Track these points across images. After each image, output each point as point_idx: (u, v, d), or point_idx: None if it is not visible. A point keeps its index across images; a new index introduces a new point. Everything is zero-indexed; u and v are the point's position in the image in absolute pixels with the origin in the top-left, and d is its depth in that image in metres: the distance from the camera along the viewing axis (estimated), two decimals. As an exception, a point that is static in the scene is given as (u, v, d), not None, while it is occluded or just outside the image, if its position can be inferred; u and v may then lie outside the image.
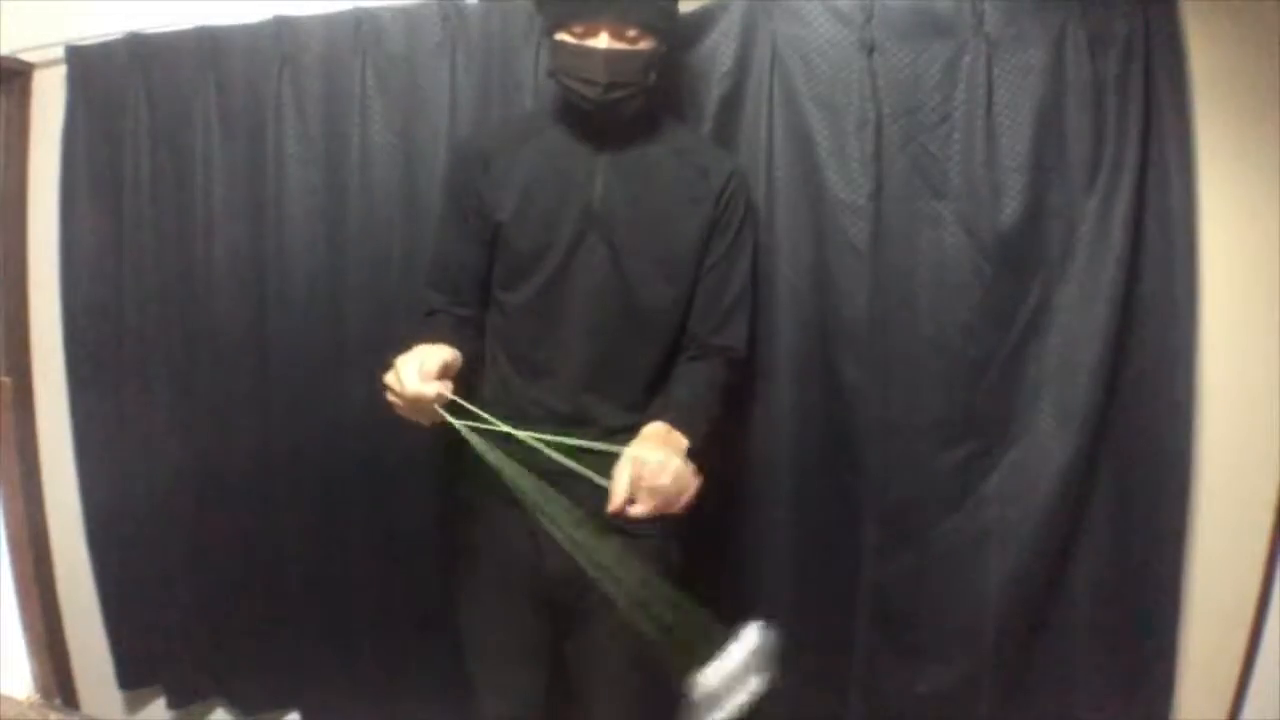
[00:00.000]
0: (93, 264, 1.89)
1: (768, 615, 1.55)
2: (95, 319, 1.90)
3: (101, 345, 1.90)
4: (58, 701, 2.02)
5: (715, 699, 1.09)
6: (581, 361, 1.31)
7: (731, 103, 1.50)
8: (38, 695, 2.00)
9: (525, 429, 1.19)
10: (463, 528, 1.44)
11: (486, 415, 1.15)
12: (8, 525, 1.96)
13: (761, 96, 1.48)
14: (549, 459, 1.18)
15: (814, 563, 1.55)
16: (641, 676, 1.39)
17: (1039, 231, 1.42)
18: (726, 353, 1.35)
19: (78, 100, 1.84)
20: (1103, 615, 1.47)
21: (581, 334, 1.30)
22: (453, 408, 1.13)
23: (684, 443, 1.19)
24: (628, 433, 1.22)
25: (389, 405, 1.14)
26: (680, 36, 1.39)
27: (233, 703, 2.01)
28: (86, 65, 1.83)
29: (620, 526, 1.28)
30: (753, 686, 1.11)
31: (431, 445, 1.55)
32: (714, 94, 1.49)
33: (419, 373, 1.11)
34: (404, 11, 1.62)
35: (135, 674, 2.03)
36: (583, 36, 1.22)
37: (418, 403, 1.11)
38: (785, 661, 1.56)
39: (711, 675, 1.08)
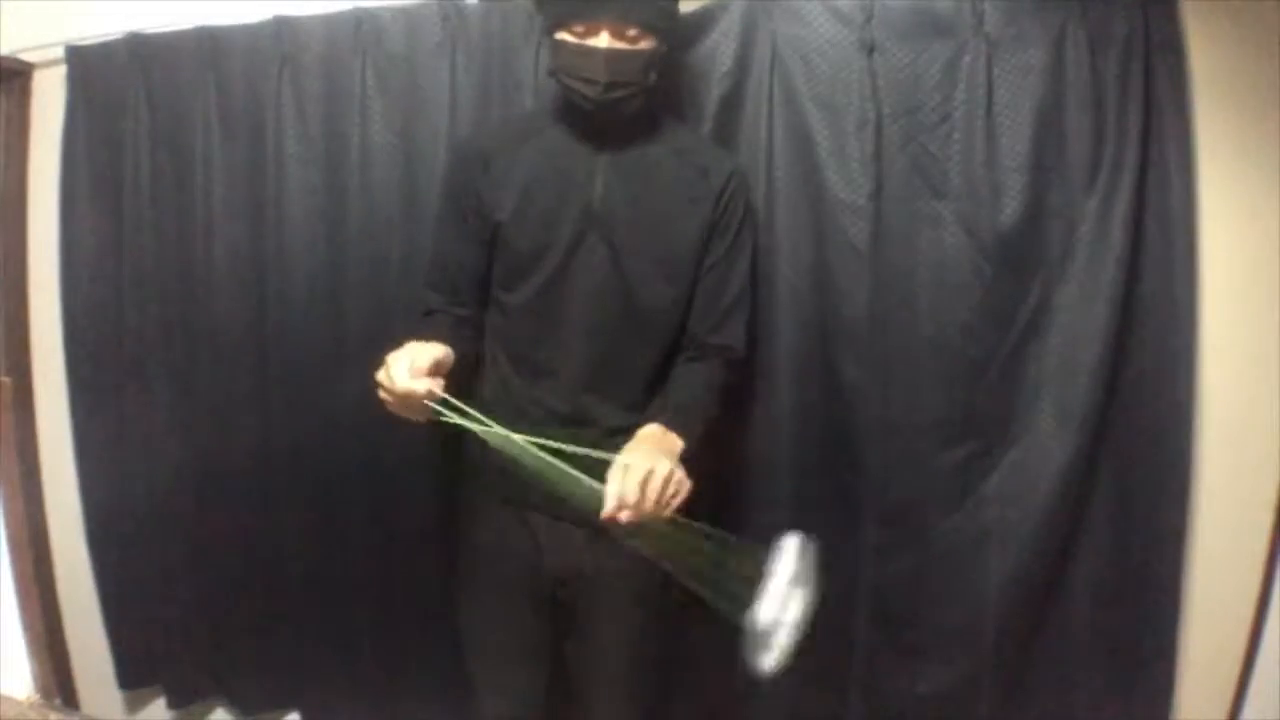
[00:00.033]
0: (93, 264, 1.89)
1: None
2: (95, 319, 1.90)
3: (101, 345, 1.90)
4: (58, 701, 2.02)
5: (772, 629, 1.09)
6: (581, 361, 1.31)
7: (731, 103, 1.50)
8: (38, 695, 2.00)
9: (525, 429, 1.19)
10: (462, 527, 1.44)
11: (476, 414, 1.15)
12: (8, 525, 1.96)
13: (761, 96, 1.48)
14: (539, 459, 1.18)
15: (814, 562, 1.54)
16: (642, 676, 1.40)
17: (1039, 231, 1.42)
18: (725, 353, 1.35)
19: (78, 100, 1.84)
20: (1103, 615, 1.47)
21: (581, 334, 1.30)
22: (443, 406, 1.13)
23: (678, 445, 1.19)
24: (628, 433, 1.21)
25: (382, 402, 1.14)
26: (680, 36, 1.39)
27: (233, 703, 2.01)
28: (86, 65, 1.83)
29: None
30: (802, 602, 1.12)
31: (431, 445, 1.55)
32: (714, 94, 1.49)
33: (409, 370, 1.11)
34: (404, 11, 1.62)
35: (135, 674, 2.03)
36: (583, 36, 1.22)
37: (408, 399, 1.11)
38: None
39: (765, 608, 1.09)
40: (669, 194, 1.31)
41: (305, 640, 1.84)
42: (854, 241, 1.46)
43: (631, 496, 1.06)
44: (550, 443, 1.15)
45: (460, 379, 1.26)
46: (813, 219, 1.49)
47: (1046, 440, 1.44)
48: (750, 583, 1.10)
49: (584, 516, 1.28)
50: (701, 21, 1.49)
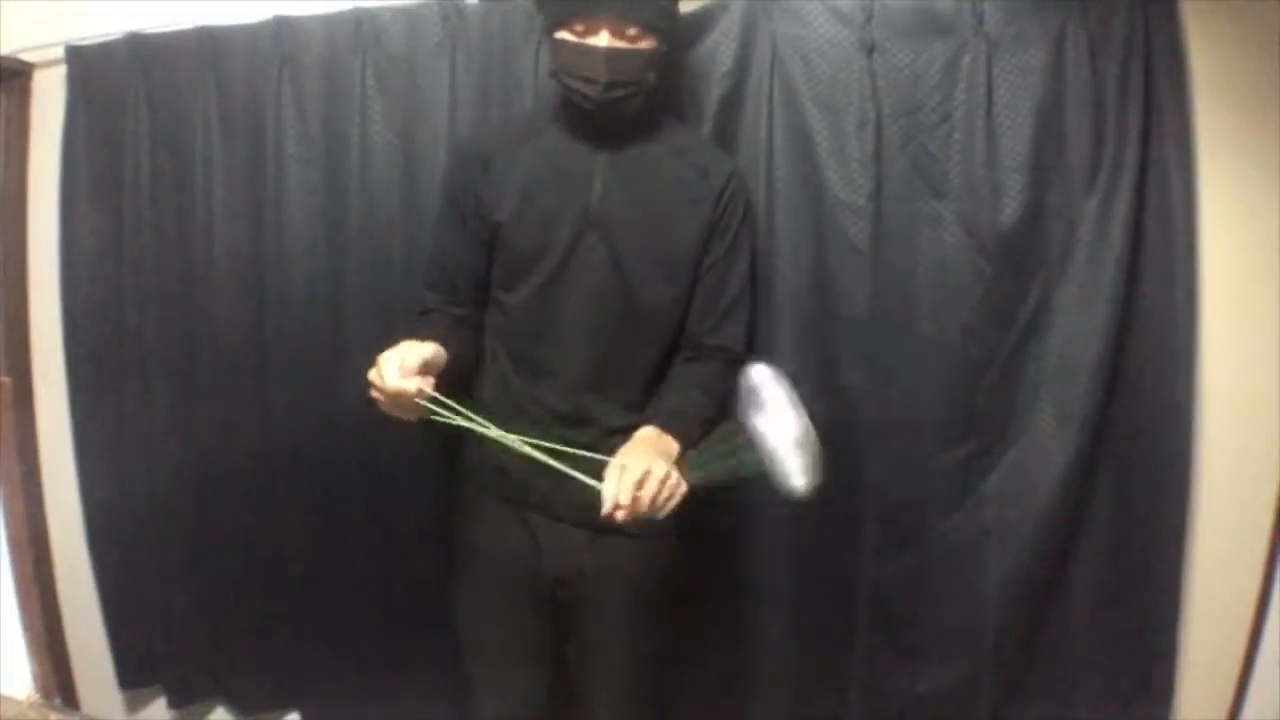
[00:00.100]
0: (93, 264, 1.88)
1: (768, 615, 1.58)
2: (95, 319, 1.90)
3: (101, 345, 1.90)
4: (58, 701, 2.02)
5: (785, 451, 1.13)
6: (582, 361, 1.31)
7: (731, 103, 1.50)
8: (38, 695, 2.00)
9: (524, 428, 1.20)
10: (462, 527, 1.44)
11: (467, 412, 1.16)
12: (8, 525, 1.96)
13: (761, 96, 1.48)
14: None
15: (814, 563, 1.55)
16: (642, 676, 1.40)
17: (1039, 231, 1.42)
18: (724, 354, 1.35)
19: (78, 100, 1.84)
20: (1103, 615, 1.47)
21: (581, 334, 1.31)
22: (433, 404, 1.13)
23: (674, 448, 1.19)
24: (627, 433, 1.22)
25: (373, 402, 1.15)
26: (680, 36, 1.39)
27: (233, 703, 2.01)
28: (86, 65, 1.83)
29: (619, 527, 1.28)
30: (799, 420, 1.15)
31: (430, 445, 1.55)
32: (714, 94, 1.49)
33: (399, 369, 1.11)
34: (404, 11, 1.62)
35: (135, 674, 2.03)
36: (583, 35, 1.22)
37: (398, 398, 1.11)
38: (785, 661, 1.57)
39: (770, 436, 1.14)
40: (668, 194, 1.31)
41: (305, 640, 1.84)
42: (854, 241, 1.46)
43: (626, 497, 1.06)
44: (541, 442, 1.16)
45: (459, 378, 1.26)
46: (813, 219, 1.49)
47: (1046, 440, 1.44)
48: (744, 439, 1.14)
49: (583, 517, 1.29)
50: (701, 21, 1.49)
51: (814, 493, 1.14)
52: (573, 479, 1.13)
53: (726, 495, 1.49)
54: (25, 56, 1.89)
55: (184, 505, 1.87)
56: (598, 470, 1.11)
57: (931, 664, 1.54)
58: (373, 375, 1.13)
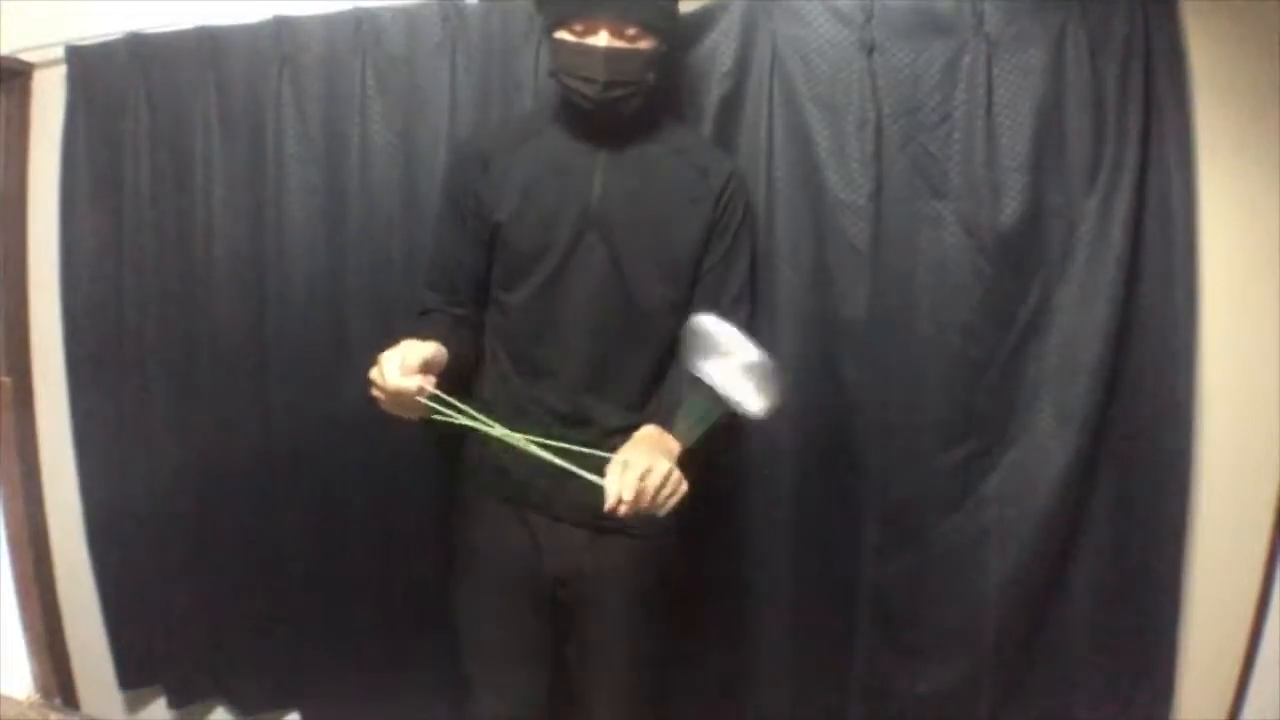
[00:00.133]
0: (93, 264, 1.88)
1: (768, 615, 1.58)
2: (95, 319, 1.90)
3: (101, 345, 1.90)
4: (58, 701, 2.02)
5: (734, 375, 1.14)
6: (581, 361, 1.31)
7: (731, 103, 1.50)
8: (38, 695, 2.00)
9: (525, 427, 1.20)
10: (461, 527, 1.44)
11: (469, 410, 1.16)
12: (8, 525, 1.96)
13: (761, 96, 1.48)
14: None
15: (814, 563, 1.55)
16: (641, 676, 1.40)
17: (1039, 231, 1.42)
18: (724, 353, 1.35)
19: (78, 100, 1.84)
20: (1103, 615, 1.47)
21: (581, 334, 1.31)
22: (435, 403, 1.13)
23: (676, 447, 1.19)
24: (626, 433, 1.22)
25: (375, 400, 1.15)
26: (680, 37, 1.39)
27: (233, 703, 2.01)
28: (86, 65, 1.83)
29: (619, 527, 1.28)
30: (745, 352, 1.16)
31: (430, 445, 1.55)
32: (714, 94, 1.49)
33: (400, 368, 1.11)
34: (404, 11, 1.62)
35: (135, 674, 2.03)
36: (582, 35, 1.22)
37: (399, 397, 1.12)
38: (785, 661, 1.57)
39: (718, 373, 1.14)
40: (668, 194, 1.31)
41: (305, 640, 1.84)
42: (854, 241, 1.46)
43: (630, 492, 1.06)
44: (543, 440, 1.16)
45: (460, 378, 1.26)
46: (813, 219, 1.49)
47: (1046, 440, 1.44)
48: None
49: (583, 517, 1.29)
50: (701, 21, 1.49)
51: (773, 413, 1.15)
52: (573, 478, 1.13)
53: (727, 495, 1.51)
54: (25, 56, 1.89)
55: (184, 505, 1.87)
56: (599, 468, 1.12)
57: (931, 664, 1.54)
58: (374, 374, 1.13)
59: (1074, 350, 1.42)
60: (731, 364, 1.15)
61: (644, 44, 1.24)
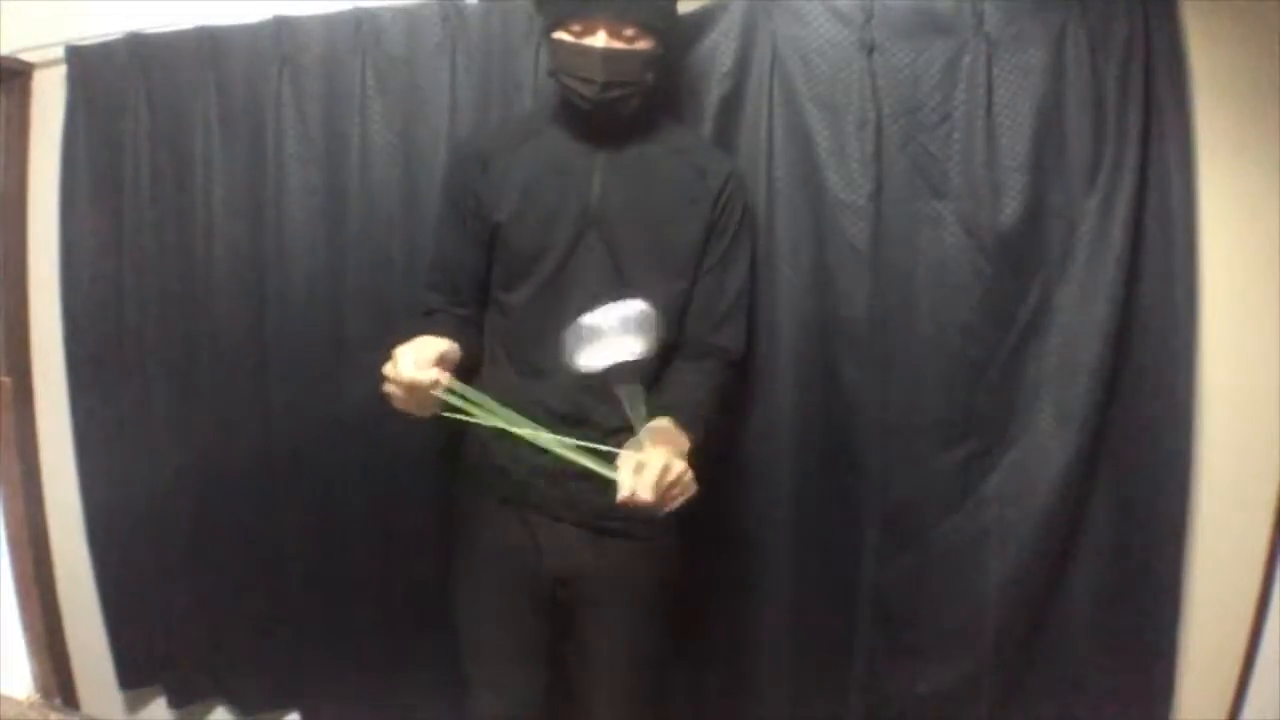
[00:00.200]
0: (93, 264, 1.89)
1: (768, 615, 1.58)
2: (95, 319, 1.90)
3: (101, 345, 1.90)
4: (58, 701, 2.02)
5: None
6: (581, 361, 1.31)
7: (731, 103, 1.50)
8: (38, 695, 2.00)
9: (524, 425, 1.20)
10: (461, 527, 1.44)
11: (486, 398, 1.16)
12: (8, 525, 1.96)
13: (761, 97, 1.48)
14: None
15: (814, 563, 1.55)
16: (641, 676, 1.40)
17: (1039, 231, 1.42)
18: (723, 354, 1.35)
19: (78, 100, 1.84)
20: (1103, 615, 1.47)
21: (581, 334, 1.30)
22: (453, 395, 1.13)
23: (686, 445, 1.19)
24: (625, 433, 1.21)
25: (387, 397, 1.14)
26: (679, 38, 1.39)
27: (233, 703, 2.01)
28: (86, 65, 1.83)
29: (620, 527, 1.28)
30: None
31: (430, 445, 1.56)
32: (714, 94, 1.49)
33: (415, 361, 1.11)
34: (404, 11, 1.62)
35: (135, 674, 2.03)
36: (581, 35, 1.22)
37: (414, 390, 1.11)
38: (785, 661, 1.57)
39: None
40: (667, 194, 1.31)
41: (305, 640, 1.84)
42: (854, 241, 1.46)
43: (649, 494, 1.07)
44: (556, 436, 1.16)
45: (465, 378, 1.26)
46: (813, 219, 1.49)
47: (1046, 440, 1.44)
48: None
49: (583, 517, 1.29)
50: (701, 22, 1.49)
51: (653, 351, 1.15)
52: (573, 478, 1.13)
53: (726, 494, 1.51)
54: (25, 56, 1.90)
55: (184, 505, 1.87)
56: (612, 464, 1.12)
57: (931, 664, 1.54)
58: (388, 368, 1.13)
59: (1074, 350, 1.42)
60: (610, 315, 1.14)
61: (642, 44, 1.24)
